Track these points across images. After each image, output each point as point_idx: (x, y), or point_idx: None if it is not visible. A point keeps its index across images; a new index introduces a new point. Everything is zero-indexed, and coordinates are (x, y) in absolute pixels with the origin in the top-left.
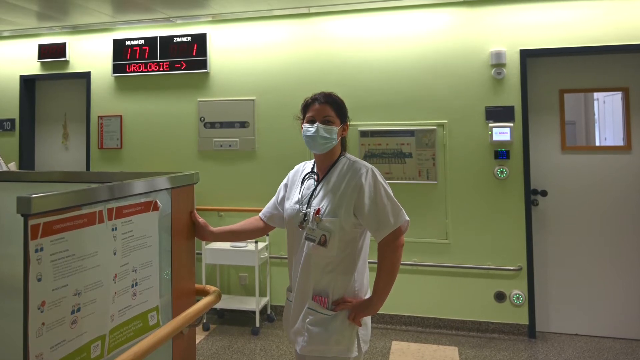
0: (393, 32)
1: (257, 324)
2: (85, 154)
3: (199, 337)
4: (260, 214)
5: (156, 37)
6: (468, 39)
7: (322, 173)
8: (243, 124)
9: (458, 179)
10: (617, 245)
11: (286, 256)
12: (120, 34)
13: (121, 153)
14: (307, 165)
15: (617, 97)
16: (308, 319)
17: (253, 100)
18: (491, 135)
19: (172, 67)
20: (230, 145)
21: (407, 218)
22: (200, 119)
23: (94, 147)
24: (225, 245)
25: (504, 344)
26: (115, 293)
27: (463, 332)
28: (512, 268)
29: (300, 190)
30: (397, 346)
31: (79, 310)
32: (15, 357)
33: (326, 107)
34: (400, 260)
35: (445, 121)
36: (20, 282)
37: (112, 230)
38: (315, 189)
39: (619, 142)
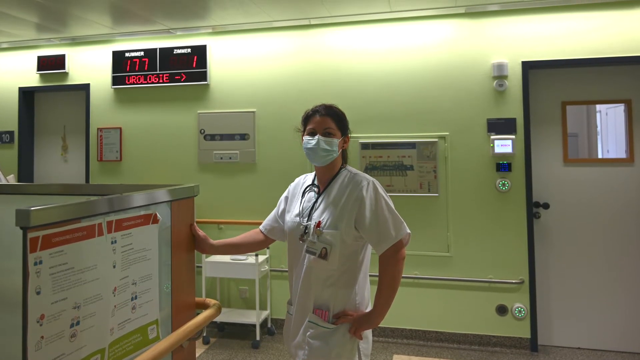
0: (394, 44)
1: (258, 338)
2: (85, 167)
3: (199, 350)
4: (260, 227)
5: (156, 49)
6: (470, 50)
7: (322, 186)
8: (243, 136)
9: (459, 191)
10: (620, 258)
11: (287, 269)
12: (120, 46)
13: (121, 165)
14: (308, 178)
15: (620, 109)
16: (309, 333)
17: (253, 112)
18: (493, 147)
19: (171, 79)
20: (230, 158)
21: (409, 231)
22: (200, 131)
23: (93, 159)
24: (226, 258)
25: (506, 358)
26: (115, 306)
27: (465, 346)
28: (514, 281)
29: (300, 203)
30: None
31: (78, 323)
32: None
33: (327, 119)
34: (401, 274)
35: (447, 133)
36: (19, 295)
37: (112, 243)
38: (316, 202)
39: (622, 154)
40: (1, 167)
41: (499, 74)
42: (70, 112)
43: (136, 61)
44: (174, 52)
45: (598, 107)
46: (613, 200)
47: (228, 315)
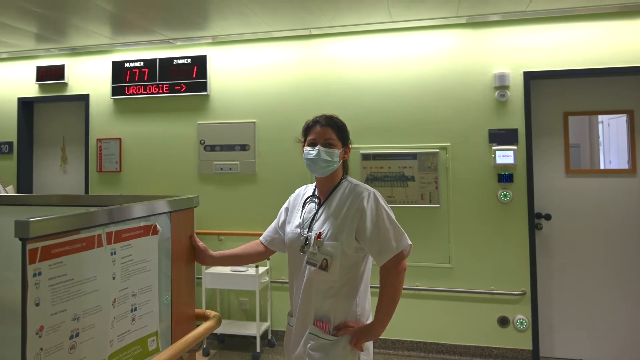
0: (395, 54)
1: (258, 349)
2: (84, 178)
3: None
4: (261, 238)
5: (156, 59)
6: (471, 61)
7: (323, 197)
8: (243, 147)
9: (461, 202)
10: (622, 269)
11: (287, 280)
12: (120, 56)
13: (120, 176)
14: (309, 189)
15: (622, 119)
16: (309, 344)
17: (254, 122)
18: (494, 158)
19: (171, 89)
20: (230, 169)
21: (410, 242)
22: (200, 142)
23: (92, 170)
24: (226, 269)
25: None
26: (115, 318)
27: (466, 358)
28: (515, 293)
29: (301, 214)
30: None
31: (77, 335)
32: None
33: (328, 129)
34: (402, 285)
35: (448, 144)
36: (18, 306)
37: (111, 254)
38: (316, 213)
39: (624, 165)
40: (0, 178)
41: (501, 85)
42: (70, 122)
43: (136, 71)
44: (174, 63)
45: (600, 117)
46: (615, 211)
47: (228, 327)
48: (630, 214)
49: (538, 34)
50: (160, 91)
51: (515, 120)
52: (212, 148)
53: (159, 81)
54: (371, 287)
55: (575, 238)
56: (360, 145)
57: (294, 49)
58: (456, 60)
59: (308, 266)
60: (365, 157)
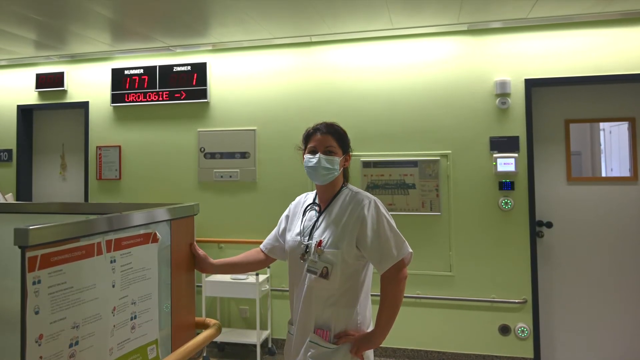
0: (396, 62)
1: (258, 358)
2: (84, 185)
3: None
4: (261, 246)
5: (155, 67)
6: (472, 68)
7: (323, 204)
8: (244, 155)
9: (462, 210)
10: (624, 277)
11: (287, 288)
12: (119, 63)
13: (120, 184)
14: (309, 197)
15: (624, 127)
16: (310, 353)
17: (254, 130)
18: (495, 166)
19: (171, 96)
20: (230, 176)
21: (410, 250)
22: (200, 150)
23: (92, 178)
24: (226, 277)
25: None
26: (114, 326)
27: None
28: (516, 301)
29: (301, 221)
30: None
31: (77, 343)
32: None
33: (328, 137)
34: (403, 293)
35: (449, 152)
36: (18, 315)
37: (111, 262)
38: (317, 221)
39: (626, 172)
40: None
41: (502, 92)
42: (69, 130)
43: (135, 79)
44: (174, 70)
45: (602, 125)
46: (617, 219)
47: (228, 335)
48: (631, 221)
49: (539, 41)
50: (160, 98)
51: (516, 127)
52: (212, 155)
53: (159, 88)
54: (372, 295)
55: (576, 246)
56: (361, 153)
57: (294, 56)
58: (457, 67)
59: (308, 274)
60: (366, 164)
